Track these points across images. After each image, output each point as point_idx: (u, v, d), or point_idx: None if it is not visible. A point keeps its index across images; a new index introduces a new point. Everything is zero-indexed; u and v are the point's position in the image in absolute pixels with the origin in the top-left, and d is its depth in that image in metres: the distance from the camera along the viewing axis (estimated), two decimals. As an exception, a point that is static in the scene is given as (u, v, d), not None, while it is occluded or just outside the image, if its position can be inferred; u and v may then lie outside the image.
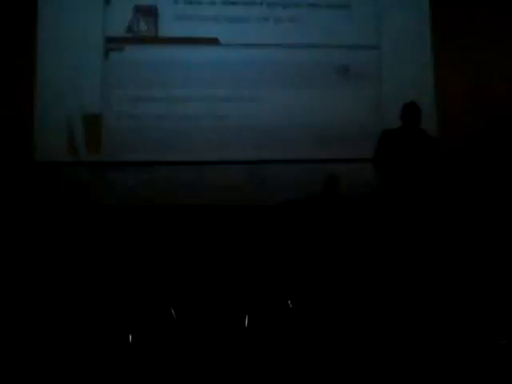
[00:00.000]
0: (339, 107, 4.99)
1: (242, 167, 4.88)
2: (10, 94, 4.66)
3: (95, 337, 3.20)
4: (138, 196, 4.74)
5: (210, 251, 4.40)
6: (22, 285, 3.84)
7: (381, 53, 5.12)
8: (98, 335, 3.22)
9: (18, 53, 4.72)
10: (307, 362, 3.02)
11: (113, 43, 4.84)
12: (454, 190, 4.71)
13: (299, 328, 3.30)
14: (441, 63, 5.13)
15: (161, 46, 4.90)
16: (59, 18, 4.79)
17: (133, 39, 4.87)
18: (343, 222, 4.64)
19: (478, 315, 3.36)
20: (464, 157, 4.90)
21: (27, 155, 4.66)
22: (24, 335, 3.21)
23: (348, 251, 4.36)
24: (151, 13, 4.87)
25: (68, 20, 4.79)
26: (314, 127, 4.94)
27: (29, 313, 3.45)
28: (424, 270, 3.81)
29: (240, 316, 3.41)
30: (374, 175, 4.05)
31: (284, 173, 4.88)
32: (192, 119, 4.86)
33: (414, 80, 5.06)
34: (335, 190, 4.70)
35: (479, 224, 4.64)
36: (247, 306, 3.54)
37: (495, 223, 4.65)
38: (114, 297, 3.67)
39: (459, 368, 2.88)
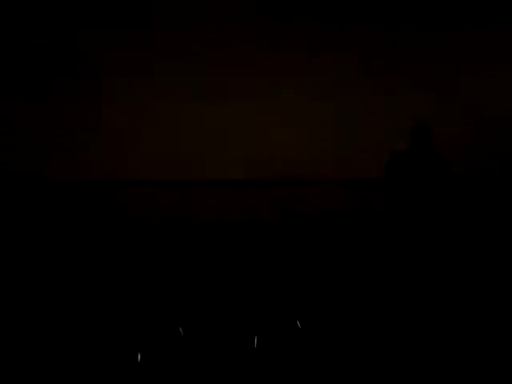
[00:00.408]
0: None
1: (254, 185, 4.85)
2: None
3: (104, 354, 3.18)
4: (147, 212, 4.72)
5: (220, 270, 4.38)
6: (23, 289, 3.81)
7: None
8: (107, 353, 3.20)
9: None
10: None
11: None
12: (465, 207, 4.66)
13: (308, 348, 3.25)
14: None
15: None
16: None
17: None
18: (353, 240, 4.61)
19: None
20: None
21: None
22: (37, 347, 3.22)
23: (358, 269, 4.33)
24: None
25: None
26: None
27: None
28: (437, 288, 3.76)
29: (249, 336, 3.36)
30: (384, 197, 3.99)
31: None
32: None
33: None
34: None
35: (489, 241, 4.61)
36: (257, 326, 3.50)
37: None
38: (124, 314, 3.64)
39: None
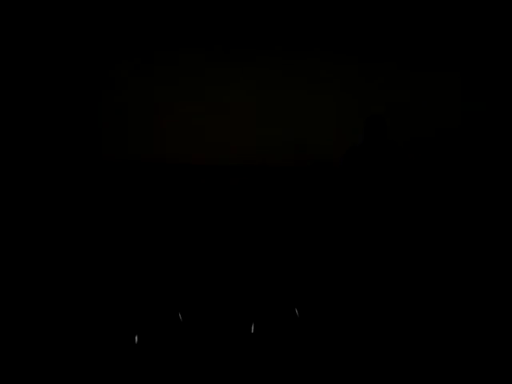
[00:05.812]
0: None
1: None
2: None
3: (102, 337, 3.30)
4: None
5: (221, 256, 4.36)
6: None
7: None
8: (105, 336, 3.32)
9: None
10: (313, 369, 3.06)
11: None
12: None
13: (306, 335, 3.34)
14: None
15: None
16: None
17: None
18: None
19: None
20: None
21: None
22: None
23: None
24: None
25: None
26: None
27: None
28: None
29: (247, 322, 3.47)
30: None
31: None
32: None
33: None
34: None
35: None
36: (254, 313, 3.57)
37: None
38: (124, 300, 3.73)
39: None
